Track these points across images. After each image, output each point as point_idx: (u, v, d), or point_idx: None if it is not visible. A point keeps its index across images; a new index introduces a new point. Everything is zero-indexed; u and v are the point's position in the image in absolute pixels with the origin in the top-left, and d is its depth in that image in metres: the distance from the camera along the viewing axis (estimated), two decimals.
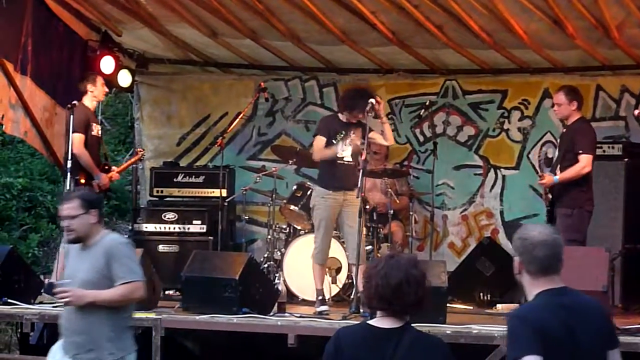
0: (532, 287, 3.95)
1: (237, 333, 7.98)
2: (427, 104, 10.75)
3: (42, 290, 8.75)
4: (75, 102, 9.08)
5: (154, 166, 11.42)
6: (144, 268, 8.23)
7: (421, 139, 11.31)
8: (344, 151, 8.65)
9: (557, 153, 8.68)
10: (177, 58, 11.69)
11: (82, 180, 9.29)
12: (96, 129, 9.57)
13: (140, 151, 10.99)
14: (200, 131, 11.79)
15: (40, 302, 8.52)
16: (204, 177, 11.04)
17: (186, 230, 10.62)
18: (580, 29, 9.57)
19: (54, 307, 7.92)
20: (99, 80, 9.65)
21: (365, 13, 9.83)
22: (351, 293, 9.07)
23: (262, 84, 10.60)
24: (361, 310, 7.93)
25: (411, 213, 10.51)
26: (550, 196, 8.62)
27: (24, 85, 9.62)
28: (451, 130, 11.20)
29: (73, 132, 9.13)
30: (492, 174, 11.08)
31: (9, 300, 8.29)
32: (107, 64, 10.53)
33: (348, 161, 8.67)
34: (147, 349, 7.82)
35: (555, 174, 8.53)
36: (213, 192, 10.81)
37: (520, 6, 9.21)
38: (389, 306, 4.05)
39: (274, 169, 10.28)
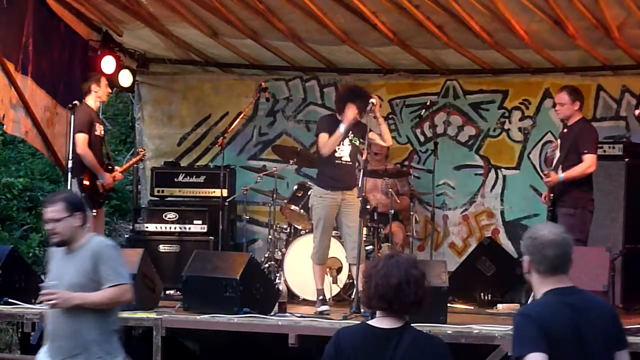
0: (541, 286, 3.95)
1: (237, 333, 7.99)
2: (427, 104, 10.75)
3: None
4: (76, 102, 9.07)
5: (154, 166, 11.42)
6: (144, 268, 8.30)
7: (422, 139, 11.31)
8: (342, 151, 8.67)
9: (558, 153, 8.68)
10: (178, 58, 11.69)
11: (86, 181, 9.29)
12: (99, 129, 9.57)
13: (141, 151, 11.00)
14: (201, 131, 11.79)
15: (41, 302, 8.50)
16: (204, 177, 11.04)
17: (187, 230, 10.62)
18: (581, 29, 9.57)
19: None
20: (103, 80, 9.66)
21: (366, 13, 9.83)
22: (352, 293, 9.08)
23: (262, 84, 10.62)
24: (362, 310, 7.93)
25: (412, 213, 10.51)
26: (552, 195, 8.63)
27: (25, 85, 9.63)
28: (452, 130, 11.20)
29: (77, 132, 9.14)
30: (492, 174, 11.08)
31: (10, 300, 8.30)
32: (108, 63, 10.53)
33: (346, 161, 8.68)
34: (148, 348, 7.83)
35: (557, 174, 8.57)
36: (214, 192, 10.81)
37: (521, 6, 9.21)
38: (389, 306, 4.05)
39: (274, 169, 10.28)
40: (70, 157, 8.91)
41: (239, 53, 11.38)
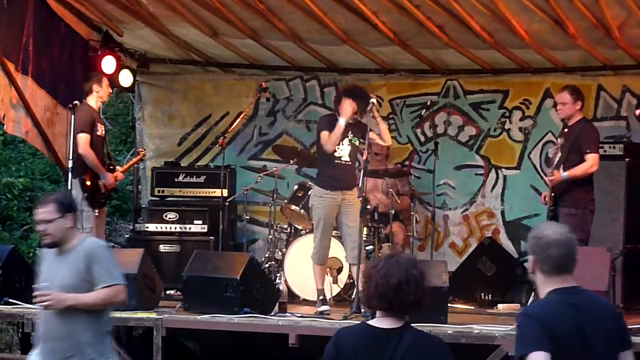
0: (545, 286, 3.95)
1: (238, 333, 7.99)
2: (428, 104, 10.75)
3: None
4: (76, 102, 9.06)
5: (155, 166, 11.42)
6: (145, 268, 8.30)
7: (422, 139, 11.30)
8: (342, 151, 8.67)
9: (559, 153, 8.68)
10: (179, 58, 11.69)
11: (88, 181, 9.29)
12: (101, 129, 9.57)
13: (142, 151, 11.00)
14: (201, 131, 11.79)
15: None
16: (205, 177, 11.04)
17: (187, 230, 10.62)
18: (582, 29, 9.56)
19: None
20: (105, 81, 9.66)
21: (366, 13, 9.83)
22: (352, 293, 9.08)
23: (263, 83, 10.62)
24: (362, 310, 7.93)
25: (412, 213, 10.51)
26: (553, 195, 8.63)
27: (25, 85, 9.63)
28: (452, 130, 11.20)
29: (79, 132, 9.13)
30: (493, 173, 11.07)
31: (10, 300, 8.30)
32: (108, 63, 10.53)
33: (346, 161, 8.68)
34: (148, 349, 7.84)
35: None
36: (214, 192, 10.81)
37: (522, 6, 9.21)
38: (389, 306, 4.05)
39: (275, 168, 10.28)
40: (71, 157, 8.90)
41: (239, 53, 11.38)
